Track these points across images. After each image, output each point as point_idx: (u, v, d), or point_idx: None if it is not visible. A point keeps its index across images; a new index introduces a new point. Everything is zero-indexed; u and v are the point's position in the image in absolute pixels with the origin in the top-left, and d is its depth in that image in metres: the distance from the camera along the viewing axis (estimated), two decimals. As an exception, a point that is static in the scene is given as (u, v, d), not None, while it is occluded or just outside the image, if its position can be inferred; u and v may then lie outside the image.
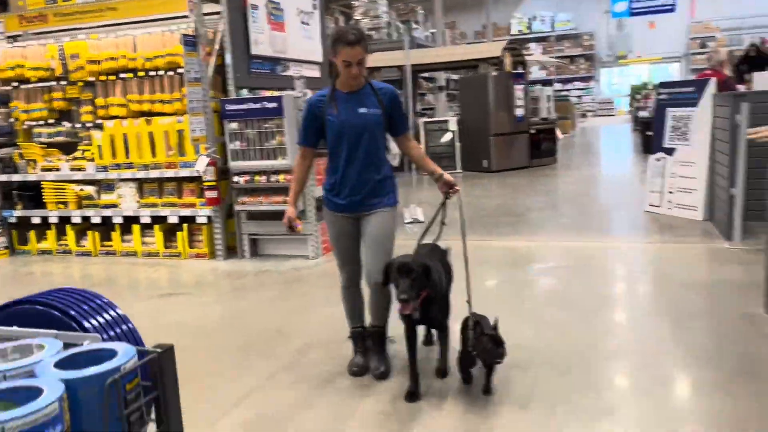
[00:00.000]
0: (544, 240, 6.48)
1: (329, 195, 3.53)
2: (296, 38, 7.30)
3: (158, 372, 1.55)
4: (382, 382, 3.45)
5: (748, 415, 2.87)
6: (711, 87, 6.61)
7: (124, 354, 1.47)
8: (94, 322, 1.81)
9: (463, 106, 13.20)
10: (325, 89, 3.50)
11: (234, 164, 6.24)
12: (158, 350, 1.56)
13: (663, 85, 7.79)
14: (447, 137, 12.47)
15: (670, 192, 7.10)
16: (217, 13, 6.25)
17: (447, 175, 3.42)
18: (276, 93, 6.38)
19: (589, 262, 5.54)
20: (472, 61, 13.37)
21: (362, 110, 3.38)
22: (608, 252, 5.90)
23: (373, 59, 12.14)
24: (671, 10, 21.05)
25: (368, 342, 3.64)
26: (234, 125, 6.19)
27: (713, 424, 2.83)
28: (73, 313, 1.80)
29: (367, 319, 3.67)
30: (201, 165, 6.06)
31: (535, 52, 23.46)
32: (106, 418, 1.37)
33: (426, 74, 15.91)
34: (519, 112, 12.39)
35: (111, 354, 1.48)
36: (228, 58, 6.26)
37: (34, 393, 1.30)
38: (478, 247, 5.49)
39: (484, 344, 3.08)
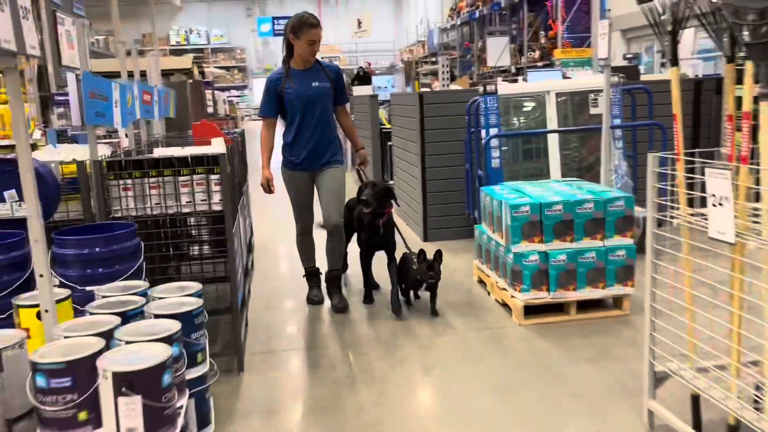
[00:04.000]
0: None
1: (289, 157, 4.16)
2: None
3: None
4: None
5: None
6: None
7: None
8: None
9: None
10: (281, 68, 4.14)
11: None
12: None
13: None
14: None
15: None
16: None
17: (364, 152, 4.36)
18: None
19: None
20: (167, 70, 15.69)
21: (315, 84, 4.04)
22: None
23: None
24: (305, 33, 25.92)
25: (329, 284, 4.33)
26: None
27: None
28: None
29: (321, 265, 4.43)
30: None
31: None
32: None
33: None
34: (210, 110, 15.20)
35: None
36: None
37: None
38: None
39: (421, 267, 3.94)
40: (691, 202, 2.40)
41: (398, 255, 4.22)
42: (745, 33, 2.03)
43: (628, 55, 9.22)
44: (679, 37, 2.39)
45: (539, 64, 11.62)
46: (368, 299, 4.34)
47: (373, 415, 2.92)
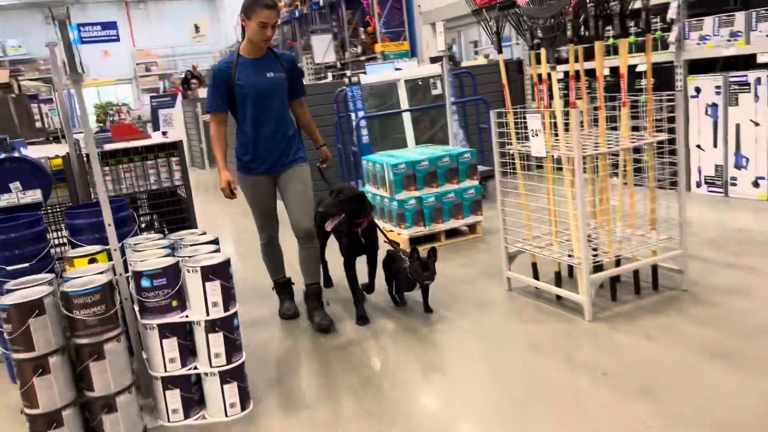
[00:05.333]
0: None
1: (244, 160, 3.66)
2: None
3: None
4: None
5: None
6: (179, 97, 11.28)
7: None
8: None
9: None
10: (229, 56, 3.62)
11: None
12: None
13: (154, 97, 12.01)
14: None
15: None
16: None
17: (325, 149, 3.95)
18: None
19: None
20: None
21: (270, 74, 3.55)
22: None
23: None
24: (117, 40, 25.23)
25: (308, 300, 3.80)
26: None
27: None
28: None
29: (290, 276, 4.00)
30: None
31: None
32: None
33: None
34: (38, 124, 14.78)
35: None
36: None
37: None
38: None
39: (416, 268, 3.61)
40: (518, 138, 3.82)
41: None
42: (539, 32, 3.44)
43: (445, 46, 10.99)
44: (503, 34, 3.78)
45: (362, 58, 12.65)
46: (363, 320, 3.74)
47: None
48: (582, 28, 3.50)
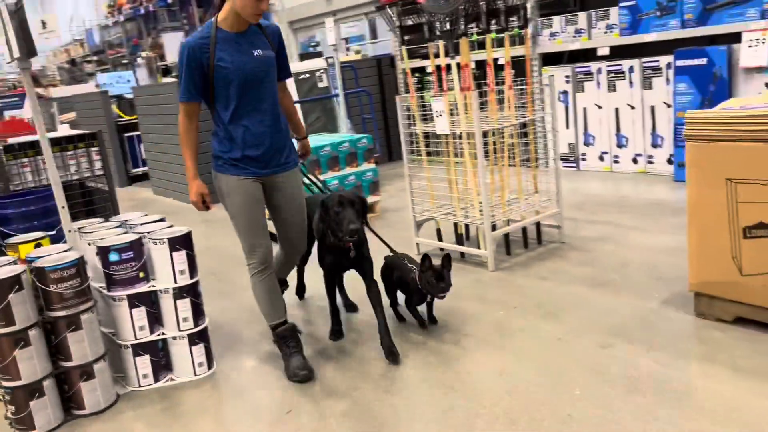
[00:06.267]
0: None
1: (228, 158, 2.91)
2: None
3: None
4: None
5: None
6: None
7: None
8: None
9: None
10: (204, 30, 2.85)
11: None
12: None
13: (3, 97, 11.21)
14: None
15: None
16: None
17: (308, 142, 3.33)
18: None
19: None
20: None
21: (257, 53, 2.87)
22: None
23: None
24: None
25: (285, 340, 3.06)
26: None
27: None
28: None
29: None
30: None
31: None
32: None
33: None
34: None
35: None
36: None
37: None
38: None
39: (428, 278, 3.09)
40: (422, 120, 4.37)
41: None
42: (437, 26, 4.00)
43: (312, 43, 11.39)
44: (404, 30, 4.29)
45: None
46: (337, 334, 3.33)
47: None
48: (466, 24, 4.12)
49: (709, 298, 3.03)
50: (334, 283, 3.33)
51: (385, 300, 3.31)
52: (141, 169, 9.31)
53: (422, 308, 3.44)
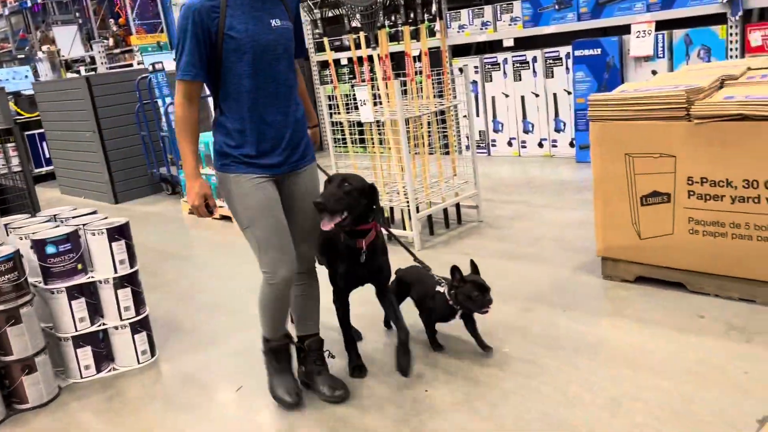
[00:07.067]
0: None
1: (238, 154, 2.42)
2: None
3: None
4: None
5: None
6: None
7: None
8: None
9: None
10: None
11: None
12: None
13: None
14: None
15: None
16: None
17: (318, 130, 2.90)
18: None
19: None
20: None
21: (275, 23, 2.42)
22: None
23: None
24: None
25: (307, 361, 2.74)
26: None
27: None
28: None
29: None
30: None
31: None
32: None
33: None
34: None
35: None
36: None
37: None
38: None
39: (468, 292, 2.65)
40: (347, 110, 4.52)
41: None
42: (358, 17, 4.17)
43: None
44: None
45: (116, 51, 12.07)
46: (360, 369, 2.82)
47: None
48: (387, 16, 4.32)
49: (613, 262, 3.39)
50: (347, 304, 2.79)
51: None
52: (45, 169, 8.91)
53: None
